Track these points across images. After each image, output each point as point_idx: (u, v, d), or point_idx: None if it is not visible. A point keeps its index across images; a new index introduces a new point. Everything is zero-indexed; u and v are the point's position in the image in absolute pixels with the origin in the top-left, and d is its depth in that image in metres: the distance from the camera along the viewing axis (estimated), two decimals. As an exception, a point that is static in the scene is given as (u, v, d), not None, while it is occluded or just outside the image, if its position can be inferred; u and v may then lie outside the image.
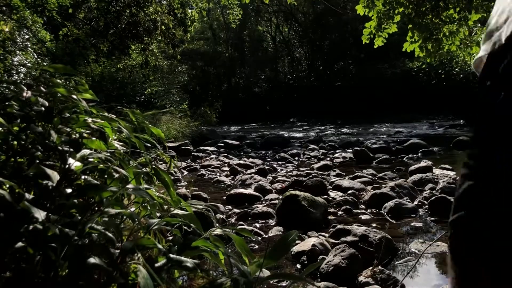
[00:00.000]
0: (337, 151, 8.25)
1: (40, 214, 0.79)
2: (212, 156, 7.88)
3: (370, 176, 4.97)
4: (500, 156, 0.50)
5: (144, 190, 1.10)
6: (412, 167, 5.16)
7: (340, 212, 3.55)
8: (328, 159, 7.12)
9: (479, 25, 6.62)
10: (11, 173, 0.99)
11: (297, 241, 2.65)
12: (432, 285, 2.20)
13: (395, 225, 3.18)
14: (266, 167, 5.98)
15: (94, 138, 1.31)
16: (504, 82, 0.51)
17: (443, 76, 18.40)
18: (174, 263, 0.89)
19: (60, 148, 1.09)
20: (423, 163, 5.20)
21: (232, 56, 29.64)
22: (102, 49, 14.73)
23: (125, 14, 14.11)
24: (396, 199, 3.58)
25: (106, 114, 1.31)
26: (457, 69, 20.01)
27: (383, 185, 4.17)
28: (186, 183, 5.29)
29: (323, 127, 15.37)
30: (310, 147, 8.64)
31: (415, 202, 3.69)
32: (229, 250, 2.56)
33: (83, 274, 0.78)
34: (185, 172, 6.17)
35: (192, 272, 1.11)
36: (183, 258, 0.90)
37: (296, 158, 7.51)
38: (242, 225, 3.26)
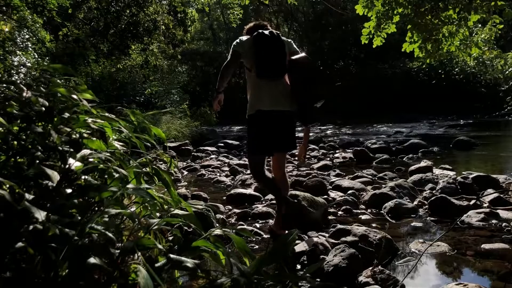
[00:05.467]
0: (337, 151, 8.24)
1: (40, 214, 0.79)
2: (212, 156, 7.87)
3: (370, 176, 4.96)
4: None
5: (144, 190, 1.10)
6: (412, 167, 5.16)
7: (340, 212, 3.55)
8: (328, 159, 7.11)
9: (479, 25, 6.62)
10: (11, 173, 0.98)
11: (297, 241, 2.65)
12: (432, 285, 2.20)
13: (395, 225, 3.18)
14: (266, 167, 5.97)
15: (94, 138, 1.31)
16: None
17: (443, 76, 18.40)
18: (174, 263, 0.89)
19: (60, 148, 1.08)
20: (423, 163, 5.20)
21: (232, 56, 29.64)
22: (102, 49, 14.74)
23: (125, 14, 14.11)
24: (396, 199, 3.57)
25: (106, 114, 1.31)
26: (457, 69, 20.01)
27: (383, 185, 4.16)
28: (186, 183, 5.29)
29: (323, 127, 15.35)
30: (310, 147, 8.63)
31: (415, 202, 3.69)
32: (229, 250, 2.56)
33: (83, 274, 0.78)
34: (185, 172, 6.17)
35: (192, 272, 1.11)
36: (183, 258, 0.90)
37: (296, 158, 7.50)
38: (242, 225, 3.26)
